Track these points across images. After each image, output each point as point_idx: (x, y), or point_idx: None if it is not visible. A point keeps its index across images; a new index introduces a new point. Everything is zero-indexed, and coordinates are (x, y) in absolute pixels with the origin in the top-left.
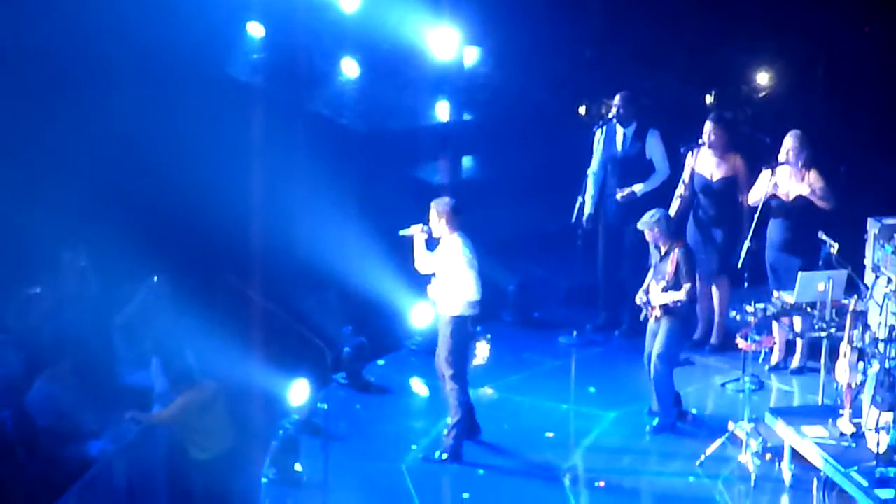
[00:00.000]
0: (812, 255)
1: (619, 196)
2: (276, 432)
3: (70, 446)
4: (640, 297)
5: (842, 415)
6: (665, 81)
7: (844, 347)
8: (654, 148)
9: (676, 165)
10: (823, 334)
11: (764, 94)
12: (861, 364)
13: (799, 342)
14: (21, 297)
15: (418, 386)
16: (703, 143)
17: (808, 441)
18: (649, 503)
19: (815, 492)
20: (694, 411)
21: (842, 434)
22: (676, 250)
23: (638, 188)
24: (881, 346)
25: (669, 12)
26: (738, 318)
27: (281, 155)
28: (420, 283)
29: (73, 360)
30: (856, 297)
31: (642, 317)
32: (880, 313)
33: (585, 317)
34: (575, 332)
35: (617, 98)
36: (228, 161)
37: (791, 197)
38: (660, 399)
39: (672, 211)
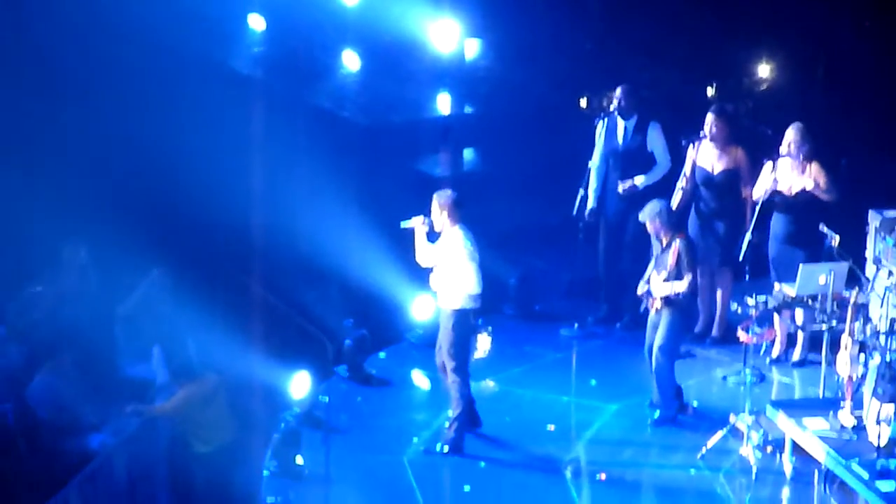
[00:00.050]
0: (815, 248)
1: (620, 189)
2: (277, 425)
3: (71, 439)
4: (641, 289)
5: (843, 407)
6: (666, 74)
7: (845, 340)
8: (656, 140)
9: (678, 158)
10: (824, 327)
11: (765, 86)
12: (862, 356)
13: (800, 335)
14: (23, 296)
15: (420, 378)
16: (705, 136)
17: (810, 433)
18: (650, 496)
19: (816, 484)
20: (695, 404)
21: (843, 426)
22: (678, 241)
23: (639, 181)
24: (882, 338)
25: (670, 4)
26: (739, 310)
27: (282, 148)
28: (421, 275)
29: (74, 352)
30: (857, 289)
31: (642, 308)
32: (881, 306)
33: (587, 309)
34: (576, 325)
35: (618, 90)
36: (229, 154)
37: (793, 190)
38: (661, 391)
39: (674, 204)
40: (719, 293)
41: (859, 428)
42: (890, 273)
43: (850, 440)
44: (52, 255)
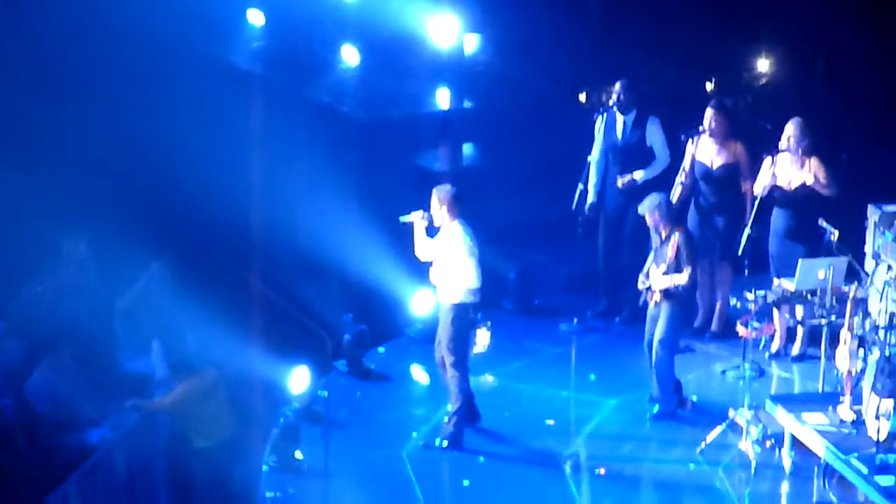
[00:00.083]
0: (815, 243)
1: (619, 183)
2: (276, 420)
3: (70, 434)
4: (641, 282)
5: (842, 402)
6: (665, 69)
7: (845, 335)
8: (655, 135)
9: (677, 153)
10: (824, 321)
11: (764, 81)
12: (861, 351)
13: (799, 329)
14: (23, 295)
15: (419, 373)
16: (704, 131)
17: (809, 428)
18: (650, 490)
19: (815, 479)
20: (694, 398)
21: (842, 421)
22: (677, 234)
23: (638, 175)
24: (881, 333)
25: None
26: (738, 305)
27: (281, 143)
28: (420, 270)
29: (73, 347)
30: (856, 284)
31: (641, 301)
32: (880, 300)
33: (586, 304)
34: (575, 320)
35: (617, 85)
36: (229, 149)
37: (793, 185)
38: (661, 385)
39: (673, 198)
40: (719, 288)
41: (858, 423)
42: (889, 267)
43: (850, 435)
44: (52, 252)
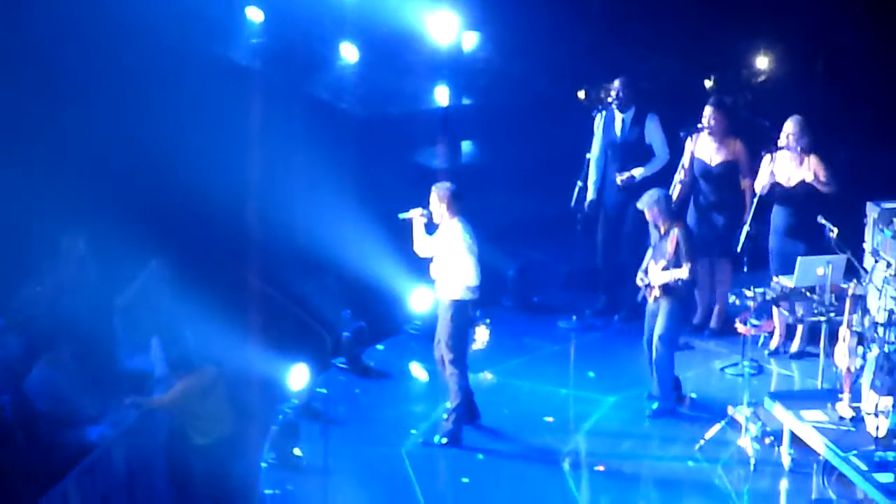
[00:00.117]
0: (814, 241)
1: (618, 181)
2: (275, 417)
3: (69, 431)
4: (639, 278)
5: (841, 399)
6: (664, 66)
7: (844, 332)
8: (654, 133)
9: (676, 150)
10: (823, 319)
11: (764, 78)
12: (860, 348)
13: (799, 327)
14: (23, 293)
15: (418, 370)
16: (703, 128)
17: (808, 425)
18: (649, 487)
19: (814, 476)
20: (693, 395)
21: (841, 418)
22: (676, 230)
23: (637, 173)
24: (880, 330)
25: None
26: (737, 302)
27: (280, 139)
28: (420, 267)
29: (73, 344)
30: (855, 281)
31: (640, 297)
32: (879, 297)
33: (585, 301)
34: (574, 317)
35: (616, 82)
36: (227, 146)
37: (793, 183)
38: (660, 382)
39: (672, 196)
40: (718, 285)
41: (857, 420)
42: (888, 264)
43: (849, 432)
44: (51, 250)
